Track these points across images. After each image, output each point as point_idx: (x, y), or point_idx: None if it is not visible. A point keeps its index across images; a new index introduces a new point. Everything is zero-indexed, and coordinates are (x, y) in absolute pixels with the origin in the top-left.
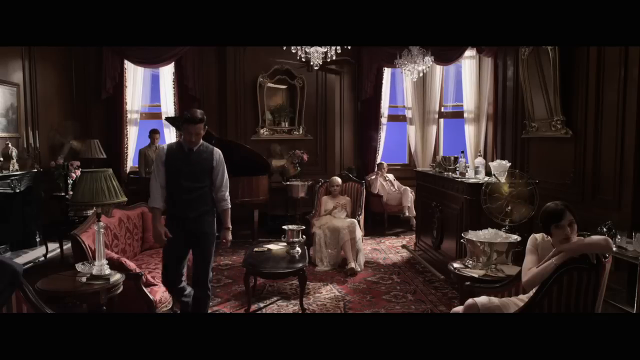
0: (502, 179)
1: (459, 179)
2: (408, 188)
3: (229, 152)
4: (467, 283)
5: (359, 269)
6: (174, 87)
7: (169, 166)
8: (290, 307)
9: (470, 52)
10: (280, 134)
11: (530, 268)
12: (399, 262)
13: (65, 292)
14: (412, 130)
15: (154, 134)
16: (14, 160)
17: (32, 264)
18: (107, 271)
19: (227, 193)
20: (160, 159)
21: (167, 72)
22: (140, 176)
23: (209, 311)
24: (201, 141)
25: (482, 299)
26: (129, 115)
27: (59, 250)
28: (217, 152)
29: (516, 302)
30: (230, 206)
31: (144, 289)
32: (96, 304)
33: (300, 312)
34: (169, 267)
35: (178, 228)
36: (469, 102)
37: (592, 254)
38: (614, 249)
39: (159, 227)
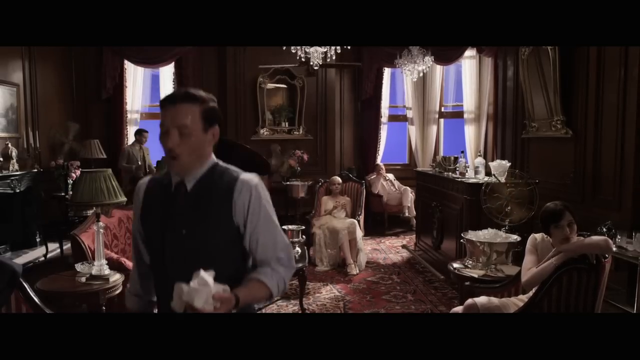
0: (502, 179)
1: (459, 179)
2: (408, 188)
3: (229, 153)
4: (467, 283)
5: (357, 272)
6: (174, 87)
7: (146, 226)
8: (290, 307)
9: (470, 52)
10: (280, 134)
11: (529, 268)
12: (399, 262)
13: (64, 292)
14: (412, 130)
15: (141, 133)
16: (14, 161)
17: (32, 264)
18: (107, 271)
19: (285, 255)
20: (136, 205)
21: (167, 72)
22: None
23: None
24: (211, 159)
25: (481, 299)
26: (129, 115)
27: (58, 250)
28: (248, 182)
29: (516, 302)
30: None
31: None
32: (96, 304)
33: (300, 312)
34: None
35: None
36: (469, 102)
37: (592, 254)
38: (614, 249)
39: None
